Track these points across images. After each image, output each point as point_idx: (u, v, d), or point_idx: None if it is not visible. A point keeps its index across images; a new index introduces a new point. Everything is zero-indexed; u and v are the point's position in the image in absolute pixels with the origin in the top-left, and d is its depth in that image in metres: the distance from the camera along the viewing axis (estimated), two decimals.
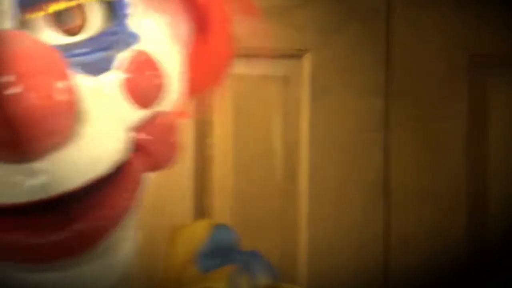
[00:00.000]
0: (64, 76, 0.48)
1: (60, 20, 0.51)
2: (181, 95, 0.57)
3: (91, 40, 0.52)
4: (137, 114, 0.53)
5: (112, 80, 0.52)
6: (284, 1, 1.29)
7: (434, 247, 1.31)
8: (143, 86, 0.53)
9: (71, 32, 0.52)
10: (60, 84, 0.48)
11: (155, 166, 0.55)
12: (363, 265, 1.30)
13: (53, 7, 0.51)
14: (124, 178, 0.52)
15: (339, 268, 1.29)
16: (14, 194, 0.48)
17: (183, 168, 1.25)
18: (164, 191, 1.20)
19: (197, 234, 0.65)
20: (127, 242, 0.54)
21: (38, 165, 0.48)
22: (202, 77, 0.62)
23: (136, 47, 0.53)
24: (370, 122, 1.32)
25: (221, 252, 0.64)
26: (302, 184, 1.31)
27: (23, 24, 0.50)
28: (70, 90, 0.48)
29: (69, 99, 0.48)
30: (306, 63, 1.30)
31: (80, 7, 0.52)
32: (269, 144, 1.30)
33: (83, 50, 0.51)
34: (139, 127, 0.53)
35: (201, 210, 1.29)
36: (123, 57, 0.52)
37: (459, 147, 1.32)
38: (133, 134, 0.53)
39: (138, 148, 0.53)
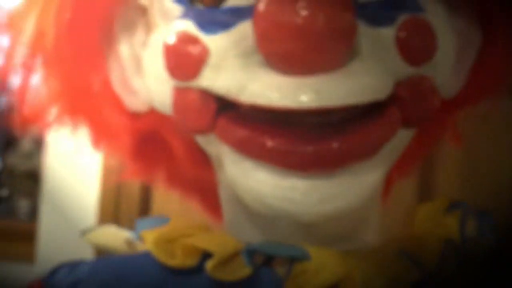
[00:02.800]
0: (347, 8, 0.56)
1: None
2: (452, 80, 0.62)
3: (383, 0, 0.59)
4: (404, 69, 0.59)
5: (390, 33, 0.58)
6: None
7: None
8: (417, 45, 0.59)
9: None
10: (343, 15, 0.56)
11: (406, 121, 0.60)
12: None
13: None
14: (384, 117, 0.59)
15: None
16: (287, 99, 0.57)
17: None
18: None
19: (437, 212, 0.63)
20: (374, 170, 0.59)
21: (310, 80, 0.56)
22: (480, 87, 0.65)
23: (418, 15, 0.60)
24: None
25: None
26: None
27: None
28: (350, 24, 0.56)
29: (347, 29, 0.56)
30: None
31: None
32: None
33: (374, 6, 0.59)
34: (403, 82, 0.59)
35: (425, 186, 1.26)
36: (405, 18, 0.59)
37: None
38: (396, 86, 0.59)
39: (396, 100, 0.59)
